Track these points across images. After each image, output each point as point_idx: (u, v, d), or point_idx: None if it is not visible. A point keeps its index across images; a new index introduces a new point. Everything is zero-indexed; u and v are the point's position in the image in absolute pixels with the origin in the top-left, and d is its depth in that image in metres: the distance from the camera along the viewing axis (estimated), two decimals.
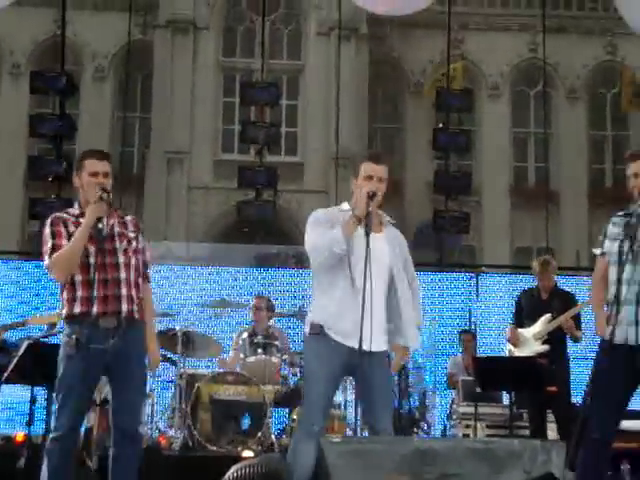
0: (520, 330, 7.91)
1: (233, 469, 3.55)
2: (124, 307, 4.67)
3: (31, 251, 18.81)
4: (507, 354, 8.08)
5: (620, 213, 4.86)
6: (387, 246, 4.74)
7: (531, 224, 22.51)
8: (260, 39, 16.86)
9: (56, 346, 4.94)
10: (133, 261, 4.77)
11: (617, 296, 4.62)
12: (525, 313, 8.00)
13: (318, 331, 4.72)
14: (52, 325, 6.94)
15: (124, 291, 4.68)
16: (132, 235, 4.81)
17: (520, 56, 25.24)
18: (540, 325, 7.77)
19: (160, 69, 23.82)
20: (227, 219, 21.41)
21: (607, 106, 26.07)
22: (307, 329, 4.81)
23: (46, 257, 4.69)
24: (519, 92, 25.96)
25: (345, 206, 4.86)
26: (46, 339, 6.95)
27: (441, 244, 14.01)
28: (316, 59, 24.08)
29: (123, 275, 4.69)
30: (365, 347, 4.55)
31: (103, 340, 4.60)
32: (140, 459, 4.76)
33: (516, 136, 25.74)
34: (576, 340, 7.84)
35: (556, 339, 7.73)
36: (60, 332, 4.99)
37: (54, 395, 4.75)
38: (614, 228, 4.80)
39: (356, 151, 22.03)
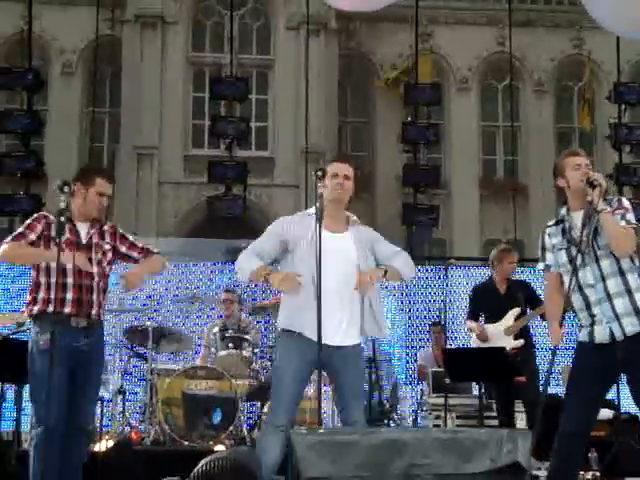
0: (487, 325, 7.94)
1: (202, 462, 3.59)
2: (94, 311, 4.95)
3: None
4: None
5: (550, 223, 4.87)
6: (353, 244, 4.87)
7: (500, 216, 22.66)
8: (229, 34, 16.81)
9: (25, 343, 5.00)
10: (107, 271, 5.08)
11: (585, 300, 4.67)
12: (485, 309, 8.01)
13: (286, 327, 4.87)
14: (19, 324, 6.93)
15: (94, 297, 4.96)
16: (107, 247, 5.09)
17: (488, 50, 25.35)
18: (510, 319, 7.78)
19: (129, 64, 23.68)
20: (197, 214, 21.36)
21: (574, 99, 26.30)
22: (278, 325, 4.99)
23: (9, 237, 4.94)
24: (487, 85, 26.11)
25: (311, 210, 5.00)
26: (14, 336, 6.93)
27: (410, 237, 14.08)
28: (285, 54, 24.05)
29: (95, 284, 4.97)
30: (332, 342, 4.68)
31: (75, 338, 4.85)
32: (87, 453, 5.07)
33: (484, 129, 25.90)
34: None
35: (522, 330, 7.79)
36: (28, 329, 5.09)
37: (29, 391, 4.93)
38: (551, 239, 4.81)
39: (326, 145, 22.12)
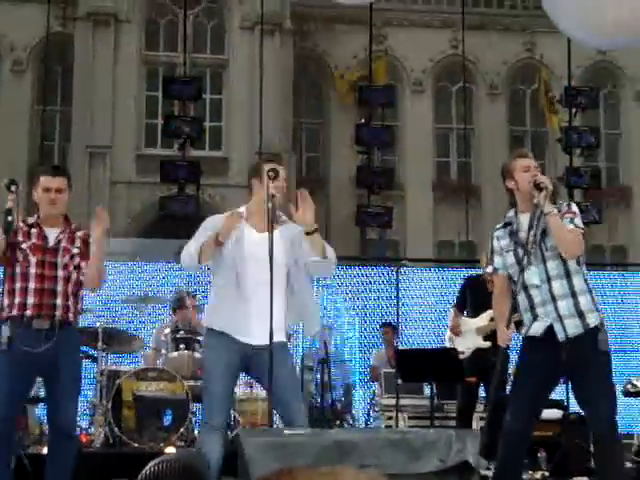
0: (464, 319, 7.92)
1: (150, 465, 3.55)
2: (57, 313, 4.93)
3: None
4: (447, 341, 8.11)
5: (499, 226, 4.90)
6: (280, 242, 4.82)
7: (453, 218, 22.82)
8: (183, 33, 16.72)
9: None
10: (74, 276, 5.01)
11: (530, 301, 4.70)
12: (470, 303, 8.02)
13: (211, 327, 4.89)
14: None
15: (59, 301, 4.93)
16: (75, 251, 5.03)
17: (442, 52, 25.52)
18: (484, 320, 7.77)
19: (81, 62, 23.40)
20: (150, 214, 21.20)
21: (526, 102, 26.59)
22: (203, 323, 5.05)
23: None
24: (441, 88, 26.28)
25: (241, 209, 5.02)
26: None
27: (364, 238, 14.15)
28: (240, 54, 23.96)
29: (60, 288, 4.95)
30: (257, 342, 4.68)
31: (35, 341, 4.84)
32: (75, 459, 4.97)
33: (438, 131, 26.06)
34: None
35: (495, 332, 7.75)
36: None
37: None
38: (499, 242, 4.83)
39: (280, 146, 22.10)
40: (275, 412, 4.88)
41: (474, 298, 7.93)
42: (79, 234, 5.10)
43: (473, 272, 8.80)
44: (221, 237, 4.72)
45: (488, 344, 7.67)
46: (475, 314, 7.89)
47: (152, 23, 24.61)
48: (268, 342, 4.58)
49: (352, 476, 2.75)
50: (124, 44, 23.82)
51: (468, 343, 7.76)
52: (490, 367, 7.33)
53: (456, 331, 7.90)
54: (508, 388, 7.73)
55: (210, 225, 4.93)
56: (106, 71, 23.27)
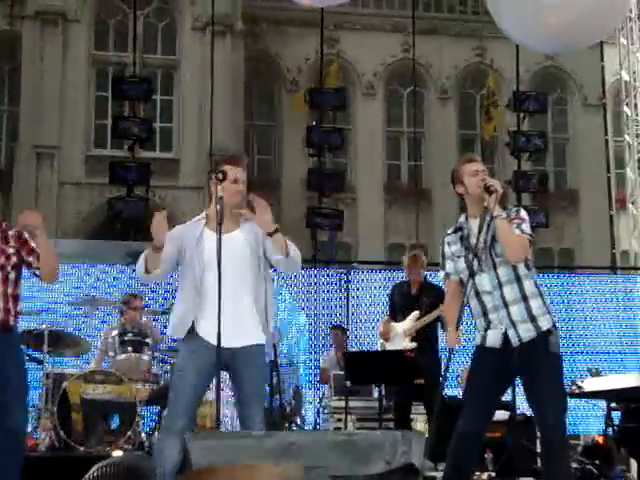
0: (393, 324, 8.02)
1: (94, 468, 3.51)
2: None
3: None
4: (379, 347, 8.20)
5: (450, 231, 4.91)
6: (243, 241, 4.77)
7: (404, 221, 22.94)
8: (133, 33, 16.59)
9: None
10: (12, 275, 4.93)
11: (482, 307, 4.72)
12: (397, 307, 8.14)
13: (182, 333, 4.79)
14: None
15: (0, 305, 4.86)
16: (11, 250, 4.94)
17: (394, 56, 25.66)
18: (409, 322, 7.88)
19: (29, 61, 23.09)
20: (99, 215, 20.98)
21: (476, 106, 26.85)
22: (168, 332, 5.01)
23: None
24: (392, 91, 26.42)
25: (199, 216, 4.95)
26: None
27: (315, 240, 14.15)
28: (191, 54, 23.86)
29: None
30: (229, 345, 4.62)
31: None
32: (22, 460, 4.89)
33: (389, 135, 26.19)
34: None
35: (425, 333, 7.87)
36: None
37: None
38: (450, 247, 4.84)
39: (231, 148, 22.02)
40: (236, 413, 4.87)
41: (400, 302, 8.05)
42: (11, 233, 5.00)
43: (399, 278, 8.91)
44: (156, 242, 4.65)
45: (413, 345, 7.77)
46: (401, 319, 7.99)
47: (101, 23, 24.38)
48: (238, 345, 4.58)
49: (269, 469, 2.80)
50: (73, 44, 23.57)
51: (397, 347, 7.83)
52: (421, 367, 7.44)
53: (385, 337, 8.00)
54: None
55: (168, 236, 4.80)
56: (55, 70, 23.00)
